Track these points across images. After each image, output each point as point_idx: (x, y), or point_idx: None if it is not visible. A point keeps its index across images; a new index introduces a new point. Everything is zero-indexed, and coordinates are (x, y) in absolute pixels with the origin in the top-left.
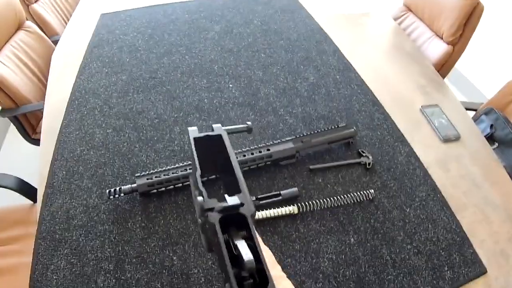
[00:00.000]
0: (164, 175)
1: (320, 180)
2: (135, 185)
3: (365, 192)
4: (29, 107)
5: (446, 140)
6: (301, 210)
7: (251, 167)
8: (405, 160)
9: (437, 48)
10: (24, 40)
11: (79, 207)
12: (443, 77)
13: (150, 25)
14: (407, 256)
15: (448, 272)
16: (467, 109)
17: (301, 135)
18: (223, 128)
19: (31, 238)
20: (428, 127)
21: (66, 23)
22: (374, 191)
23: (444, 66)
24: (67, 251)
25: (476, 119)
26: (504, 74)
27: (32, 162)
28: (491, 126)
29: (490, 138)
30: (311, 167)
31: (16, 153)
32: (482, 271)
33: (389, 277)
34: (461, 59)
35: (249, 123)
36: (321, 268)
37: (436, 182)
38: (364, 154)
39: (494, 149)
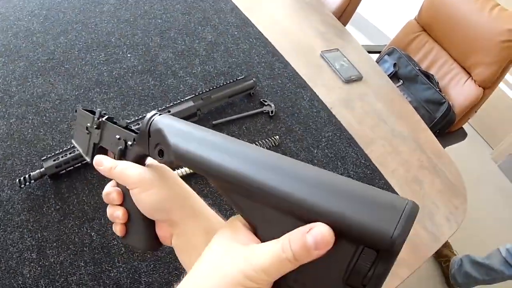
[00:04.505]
0: (70, 153)
1: (225, 134)
2: (43, 169)
3: (270, 139)
4: None
5: (348, 81)
6: None
7: None
8: (308, 104)
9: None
10: None
11: None
12: (345, 23)
13: (44, 6)
14: None
15: None
16: (372, 52)
17: (201, 93)
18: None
19: None
20: (329, 70)
21: None
22: (279, 137)
23: (344, 12)
24: None
25: (379, 60)
26: (404, 14)
27: None
28: (394, 64)
29: (395, 77)
30: (214, 122)
31: None
32: None
33: None
34: (363, 3)
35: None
36: None
37: (341, 121)
38: (266, 103)
39: (399, 86)
